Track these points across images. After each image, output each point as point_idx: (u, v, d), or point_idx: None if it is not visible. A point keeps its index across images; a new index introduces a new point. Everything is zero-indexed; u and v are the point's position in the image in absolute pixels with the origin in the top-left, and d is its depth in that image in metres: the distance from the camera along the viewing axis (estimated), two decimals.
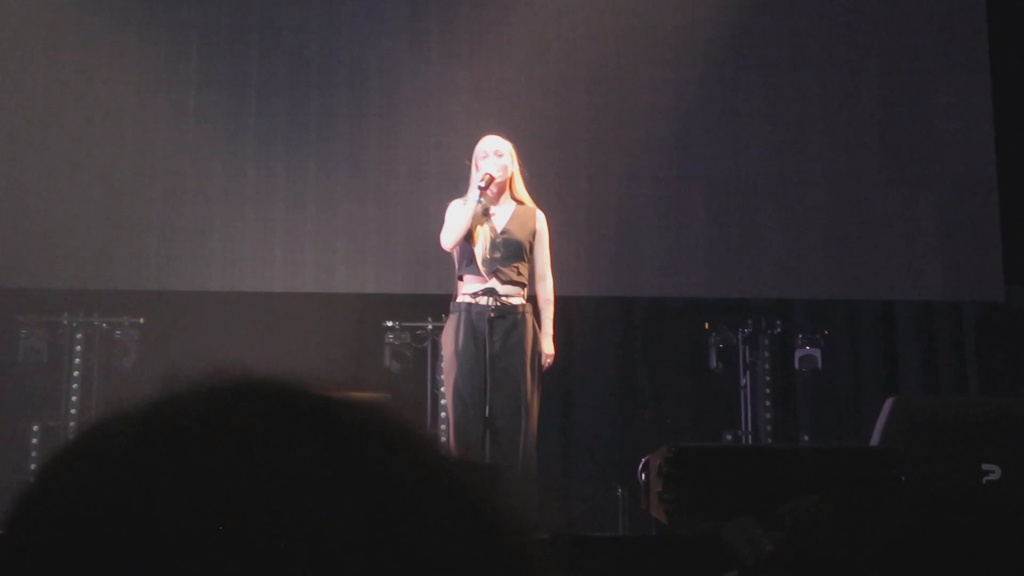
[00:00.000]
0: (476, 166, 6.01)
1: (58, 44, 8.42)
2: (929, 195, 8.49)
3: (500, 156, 5.97)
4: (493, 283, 5.84)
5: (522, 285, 5.89)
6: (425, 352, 8.13)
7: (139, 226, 8.32)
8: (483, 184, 5.85)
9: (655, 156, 8.47)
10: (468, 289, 5.89)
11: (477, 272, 5.86)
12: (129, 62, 8.42)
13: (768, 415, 8.14)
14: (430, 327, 8.01)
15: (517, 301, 5.85)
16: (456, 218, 5.92)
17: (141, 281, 8.29)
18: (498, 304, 5.80)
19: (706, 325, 8.40)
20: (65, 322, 8.11)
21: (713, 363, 8.32)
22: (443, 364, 6.13)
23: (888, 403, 5.83)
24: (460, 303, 5.89)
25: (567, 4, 8.61)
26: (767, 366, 8.21)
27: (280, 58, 8.53)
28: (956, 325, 8.67)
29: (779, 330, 8.30)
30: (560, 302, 6.19)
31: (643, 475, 5.03)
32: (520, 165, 6.07)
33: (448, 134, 8.20)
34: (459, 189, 6.14)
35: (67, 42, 8.41)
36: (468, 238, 5.88)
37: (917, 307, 8.64)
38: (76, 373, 8.07)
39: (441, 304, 6.51)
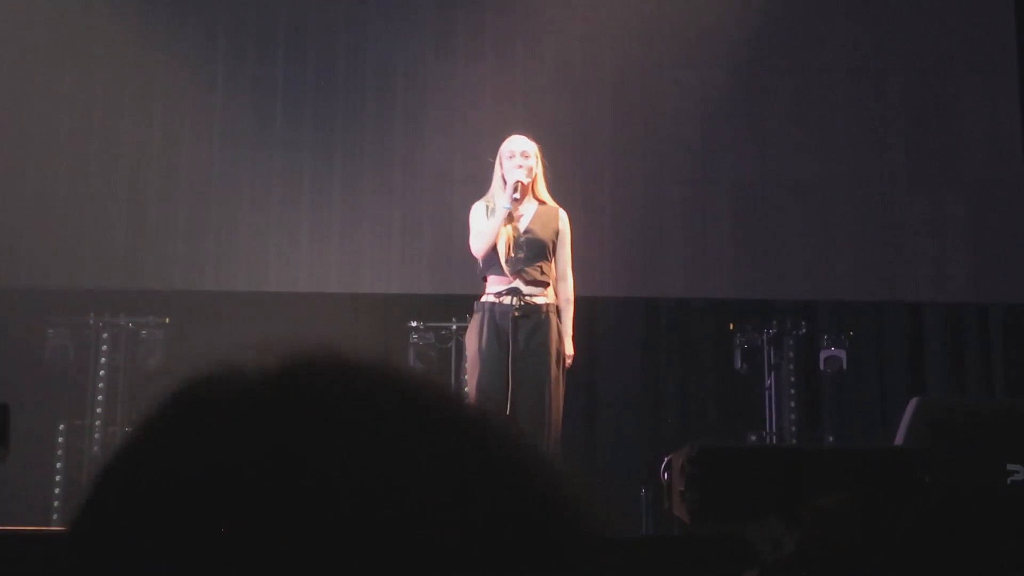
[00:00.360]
0: (501, 164, 6.01)
1: (87, 51, 8.46)
2: (956, 197, 8.45)
3: (527, 157, 5.96)
4: (517, 283, 5.84)
5: (546, 284, 5.88)
6: (449, 352, 8.14)
7: (165, 226, 8.36)
8: (517, 196, 5.84)
9: (680, 157, 8.46)
10: (492, 289, 5.89)
11: (501, 272, 5.86)
12: (156, 66, 8.47)
13: (793, 416, 8.11)
14: (454, 327, 8.02)
15: (541, 300, 5.84)
16: (486, 225, 5.91)
17: (167, 281, 8.33)
18: (522, 303, 5.79)
19: (731, 326, 8.38)
20: (91, 322, 8.15)
21: (738, 364, 8.30)
22: (467, 364, 6.14)
23: (912, 403, 5.80)
24: (484, 302, 5.89)
25: (592, 6, 8.60)
26: (792, 367, 8.18)
27: (306, 60, 8.57)
28: (982, 327, 8.62)
29: (804, 331, 8.27)
30: (584, 303, 6.18)
31: (666, 474, 5.03)
32: (544, 165, 6.06)
33: (473, 135, 8.21)
34: (484, 190, 6.13)
35: (95, 48, 8.46)
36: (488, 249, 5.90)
37: (943, 309, 8.61)
38: (102, 373, 8.11)
39: (466, 304, 6.51)
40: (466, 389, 6.72)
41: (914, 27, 8.61)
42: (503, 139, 6.11)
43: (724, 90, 8.53)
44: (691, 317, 8.65)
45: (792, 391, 8.14)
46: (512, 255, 5.84)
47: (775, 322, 8.25)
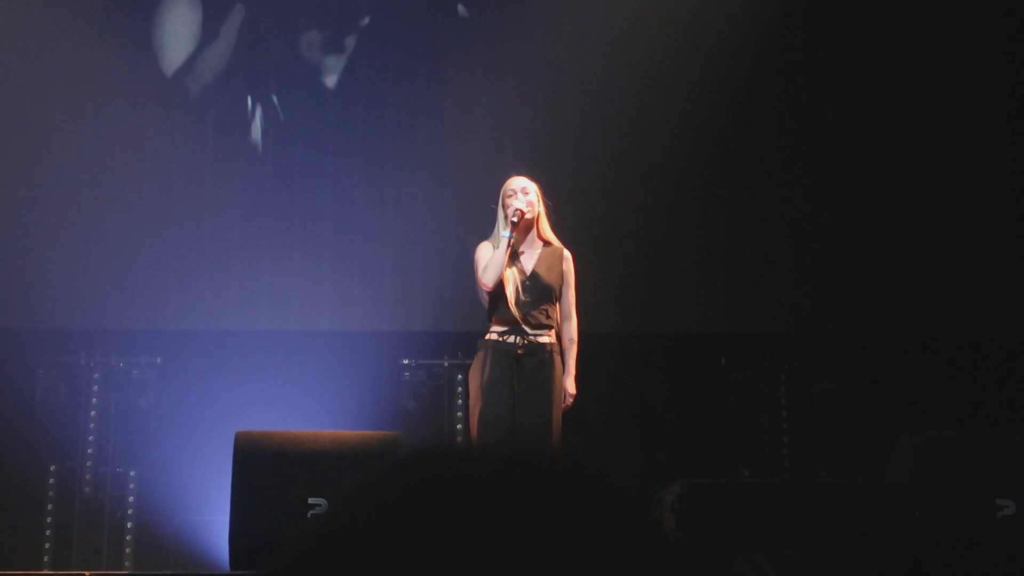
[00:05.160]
0: (504, 204, 6.02)
1: (78, 97, 8.48)
2: (946, 228, 8.47)
3: (527, 193, 6.00)
4: (523, 325, 5.86)
5: (550, 327, 5.91)
6: (442, 389, 8.12)
7: (157, 266, 8.35)
8: (516, 219, 5.88)
9: (672, 193, 8.47)
10: (496, 328, 5.91)
11: (508, 314, 5.88)
12: (149, 105, 8.49)
13: (785, 450, 8.09)
14: (446, 364, 8.01)
15: (545, 340, 5.86)
16: (492, 256, 5.92)
17: (159, 321, 8.31)
18: (526, 342, 5.81)
19: (723, 360, 8.36)
20: (83, 362, 8.14)
21: (730, 398, 8.28)
22: (469, 400, 6.13)
23: (903, 438, 5.80)
24: (488, 340, 5.90)
25: (585, 43, 8.63)
26: (784, 401, 8.17)
27: (299, 95, 8.58)
28: (974, 359, 8.60)
29: (797, 364, 8.25)
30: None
31: (656, 511, 5.01)
32: (545, 206, 6.08)
33: (465, 173, 8.22)
34: (476, 229, 6.15)
35: (87, 94, 8.48)
36: (498, 281, 5.91)
37: (936, 341, 8.58)
38: (93, 413, 8.09)
39: (458, 342, 6.52)
40: (459, 427, 6.72)
41: None
42: (496, 177, 6.15)
43: (718, 130, 8.54)
44: (683, 351, 8.63)
45: (785, 425, 8.12)
46: (519, 298, 5.87)
47: (767, 356, 8.24)
